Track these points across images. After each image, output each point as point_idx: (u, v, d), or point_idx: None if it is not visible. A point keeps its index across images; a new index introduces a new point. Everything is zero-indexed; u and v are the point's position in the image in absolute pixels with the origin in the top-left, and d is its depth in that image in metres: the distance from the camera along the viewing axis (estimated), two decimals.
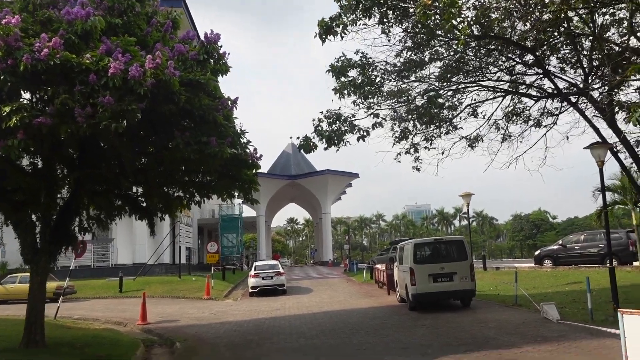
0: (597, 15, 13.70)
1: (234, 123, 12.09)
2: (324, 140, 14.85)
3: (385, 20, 13.29)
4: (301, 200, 78.08)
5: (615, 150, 14.57)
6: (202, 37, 11.61)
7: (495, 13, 13.20)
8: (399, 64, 14.63)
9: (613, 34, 14.81)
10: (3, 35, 8.87)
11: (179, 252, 39.75)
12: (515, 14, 13.54)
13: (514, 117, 16.32)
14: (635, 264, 24.08)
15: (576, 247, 27.66)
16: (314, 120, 14.88)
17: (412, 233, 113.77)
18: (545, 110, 16.50)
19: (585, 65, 14.68)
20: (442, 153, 16.52)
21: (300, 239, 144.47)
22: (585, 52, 14.78)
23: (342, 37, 12.71)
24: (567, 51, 15.48)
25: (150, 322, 17.55)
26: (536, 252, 31.27)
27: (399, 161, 16.48)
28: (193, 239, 48.51)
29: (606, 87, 14.43)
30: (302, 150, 15.43)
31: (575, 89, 14.84)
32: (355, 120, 14.89)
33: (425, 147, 16.32)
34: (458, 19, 11.15)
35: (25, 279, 21.84)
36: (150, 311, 19.25)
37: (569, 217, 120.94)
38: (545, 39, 14.27)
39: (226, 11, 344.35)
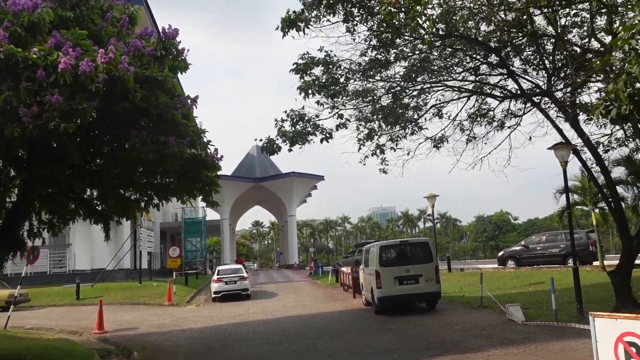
0: (559, 15, 13.76)
1: (194, 122, 11.65)
2: (287, 141, 14.50)
3: (350, 18, 13.05)
4: (266, 203, 77.44)
5: (577, 150, 14.66)
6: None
7: (460, 13, 13.12)
8: (363, 63, 14.40)
9: (574, 36, 14.94)
10: None
11: (140, 257, 38.70)
12: (479, 15, 13.50)
13: (479, 118, 16.30)
14: (595, 263, 24.50)
15: (538, 248, 28.05)
16: (276, 120, 14.51)
17: (377, 235, 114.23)
18: (509, 112, 16.56)
19: (548, 66, 14.73)
20: (408, 154, 16.39)
21: (266, 242, 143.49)
22: (548, 53, 14.83)
23: (304, 33, 12.40)
24: (530, 52, 15.55)
25: (108, 330, 16.88)
26: (500, 253, 31.61)
27: (364, 164, 16.19)
28: (155, 243, 47.41)
29: (569, 88, 14.51)
30: (265, 152, 15.03)
31: (538, 89, 14.88)
32: (319, 120, 14.59)
33: (391, 148, 16.15)
34: (423, 17, 10.98)
35: None
36: (108, 319, 18.56)
37: (529, 218, 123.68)
38: (509, 39, 14.28)
39: (190, 9, 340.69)
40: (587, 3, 12.39)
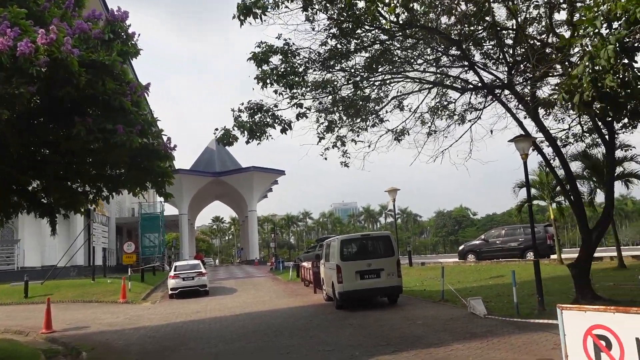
0: (519, 9, 13.68)
1: (145, 110, 11.05)
2: (245, 132, 13.98)
3: (309, 5, 12.62)
4: (226, 197, 76.39)
5: (537, 144, 14.66)
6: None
7: (420, 6, 12.92)
8: (323, 53, 14.00)
9: (533, 31, 14.92)
10: None
11: (94, 253, 37.45)
12: (440, 6, 13.30)
13: (440, 111, 16.14)
14: (553, 257, 24.86)
15: (497, 242, 28.36)
16: (233, 110, 13.97)
17: (339, 230, 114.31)
18: (470, 105, 16.47)
19: (508, 60, 14.65)
20: (369, 146, 16.12)
21: (227, 238, 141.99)
22: (508, 46, 14.75)
23: (262, 20, 11.93)
24: (491, 46, 15.46)
25: (56, 330, 16.11)
26: (460, 247, 31.87)
27: (325, 158, 15.81)
28: (110, 239, 46.05)
29: (529, 82, 14.47)
30: (220, 144, 14.47)
31: (499, 82, 14.79)
32: (278, 110, 14.13)
33: (352, 140, 15.83)
34: (384, 6, 10.72)
35: None
36: (57, 318, 17.80)
37: (488, 213, 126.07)
38: (470, 32, 14.15)
39: (147, 2, 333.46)
40: None
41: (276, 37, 13.40)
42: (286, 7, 12.52)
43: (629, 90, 6.79)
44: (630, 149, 19.15)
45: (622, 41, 6.53)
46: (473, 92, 16.01)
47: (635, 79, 6.69)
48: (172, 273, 26.25)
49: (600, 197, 27.44)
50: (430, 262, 32.31)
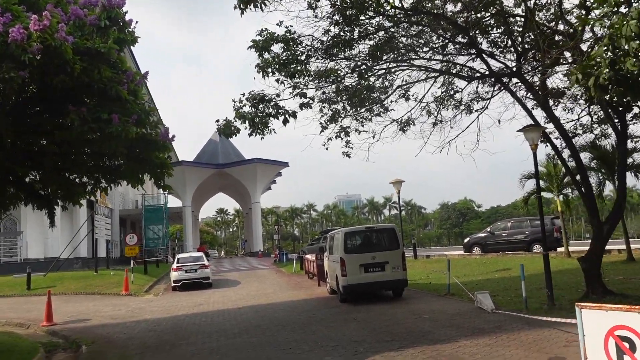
0: None
1: (143, 99, 10.75)
2: (246, 123, 13.61)
3: None
4: (230, 189, 76.19)
5: (547, 134, 14.29)
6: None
7: None
8: (326, 40, 13.61)
9: (541, 19, 14.51)
10: None
11: (97, 245, 37.31)
12: None
13: (447, 99, 15.76)
14: (560, 249, 24.49)
15: (503, 234, 28.01)
16: (234, 101, 13.60)
17: (343, 223, 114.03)
18: (477, 95, 16.09)
19: (517, 47, 14.25)
20: (373, 137, 15.76)
21: (231, 230, 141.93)
22: (517, 32, 14.34)
23: (262, 9, 11.56)
24: (498, 34, 15.07)
25: (57, 322, 15.91)
26: (465, 240, 31.51)
27: (327, 148, 15.43)
28: (114, 230, 45.93)
29: (538, 70, 14.07)
30: (222, 135, 14.10)
31: (507, 69, 14.38)
32: (280, 101, 13.75)
33: (356, 130, 15.47)
34: None
35: None
36: (59, 310, 17.63)
37: (492, 205, 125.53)
38: (477, 19, 13.76)
39: None
40: None
41: (277, 24, 13.02)
42: None
43: None
44: None
45: None
46: (480, 81, 15.63)
47: None
48: (174, 265, 26.11)
49: (608, 190, 27.20)
50: (435, 255, 31.99)
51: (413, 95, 15.80)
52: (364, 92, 14.97)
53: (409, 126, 15.98)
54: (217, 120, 13.96)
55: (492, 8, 13.08)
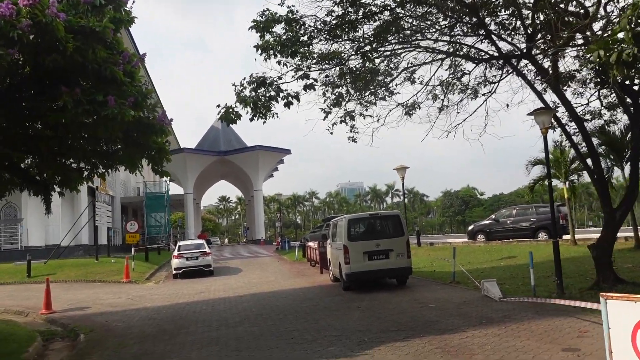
0: None
1: (140, 82, 10.34)
2: (248, 108, 13.15)
3: None
4: (232, 177, 75.90)
5: (558, 117, 13.86)
6: None
7: None
8: (329, 21, 13.14)
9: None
10: None
11: (98, 232, 37.05)
12: None
13: (454, 82, 15.31)
14: (565, 237, 24.13)
15: (508, 222, 27.68)
16: (234, 85, 13.14)
17: (345, 210, 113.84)
18: (485, 78, 15.64)
19: (527, 26, 13.77)
20: (378, 121, 15.34)
21: (234, 218, 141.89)
22: (526, 13, 13.86)
23: None
24: (506, 15, 14.61)
25: (56, 310, 15.71)
26: (470, 227, 31.19)
27: (332, 133, 15.02)
28: (115, 218, 45.68)
29: (549, 52, 13.61)
30: (223, 122, 13.64)
31: (517, 50, 13.91)
32: (282, 83, 13.31)
33: (361, 114, 15.04)
34: None
35: None
36: (59, 298, 17.47)
37: (495, 193, 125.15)
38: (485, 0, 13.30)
39: None
40: None
41: (279, 4, 12.56)
42: None
43: None
44: None
45: None
46: (488, 64, 15.17)
47: None
48: (175, 253, 25.90)
49: (615, 177, 26.76)
50: (438, 242, 31.67)
51: (419, 79, 15.37)
52: (368, 75, 14.53)
53: (414, 110, 15.55)
54: (218, 106, 13.49)
55: None
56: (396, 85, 15.35)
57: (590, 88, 15.02)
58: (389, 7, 13.42)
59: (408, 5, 13.55)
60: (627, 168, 21.42)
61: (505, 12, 14.39)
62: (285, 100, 12.95)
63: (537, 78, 14.07)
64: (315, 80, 13.60)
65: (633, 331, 4.30)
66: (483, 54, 14.53)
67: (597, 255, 11.92)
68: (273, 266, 28.82)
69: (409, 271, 15.57)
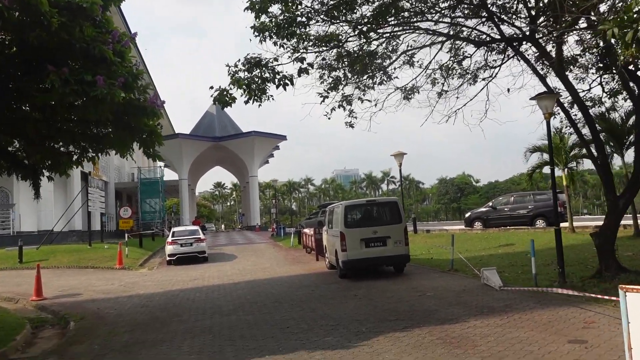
0: None
1: (131, 62, 9.95)
2: (243, 90, 12.73)
3: None
4: (227, 163, 75.36)
5: (561, 102, 13.53)
6: None
7: None
8: (327, 1, 12.72)
9: None
10: None
11: (91, 218, 36.67)
12: None
13: (454, 66, 14.94)
14: (564, 225, 23.91)
15: (506, 209, 27.45)
16: (228, 66, 12.72)
17: (341, 197, 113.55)
18: (486, 62, 15.28)
19: (530, 8, 13.38)
20: (375, 105, 14.98)
21: (229, 204, 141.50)
22: None
23: None
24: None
25: (47, 297, 15.46)
26: (467, 214, 30.95)
27: (329, 118, 14.65)
28: (109, 203, 45.28)
29: (553, 35, 13.24)
30: (217, 104, 13.21)
31: (520, 33, 13.53)
32: (278, 65, 12.89)
33: (359, 98, 14.67)
34: None
35: None
36: (51, 284, 17.23)
37: (490, 180, 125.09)
38: None
39: None
40: None
41: None
42: None
43: None
44: None
45: None
46: (489, 48, 14.80)
47: None
48: (169, 239, 25.56)
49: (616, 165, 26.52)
50: (435, 230, 31.45)
51: (418, 62, 14.99)
52: (366, 57, 14.14)
53: (413, 94, 15.19)
54: (212, 87, 13.02)
55: None
56: (395, 69, 15.00)
57: (592, 73, 14.71)
58: None
59: None
60: (627, 155, 21.21)
61: None
62: (281, 82, 12.54)
63: (540, 62, 13.70)
64: (311, 65, 13.20)
65: None
66: (485, 36, 14.15)
67: (600, 243, 11.67)
68: (268, 253, 28.56)
69: (406, 259, 15.31)
